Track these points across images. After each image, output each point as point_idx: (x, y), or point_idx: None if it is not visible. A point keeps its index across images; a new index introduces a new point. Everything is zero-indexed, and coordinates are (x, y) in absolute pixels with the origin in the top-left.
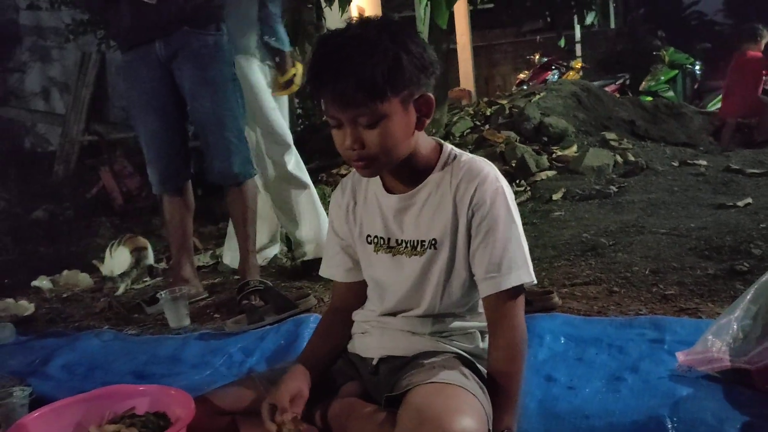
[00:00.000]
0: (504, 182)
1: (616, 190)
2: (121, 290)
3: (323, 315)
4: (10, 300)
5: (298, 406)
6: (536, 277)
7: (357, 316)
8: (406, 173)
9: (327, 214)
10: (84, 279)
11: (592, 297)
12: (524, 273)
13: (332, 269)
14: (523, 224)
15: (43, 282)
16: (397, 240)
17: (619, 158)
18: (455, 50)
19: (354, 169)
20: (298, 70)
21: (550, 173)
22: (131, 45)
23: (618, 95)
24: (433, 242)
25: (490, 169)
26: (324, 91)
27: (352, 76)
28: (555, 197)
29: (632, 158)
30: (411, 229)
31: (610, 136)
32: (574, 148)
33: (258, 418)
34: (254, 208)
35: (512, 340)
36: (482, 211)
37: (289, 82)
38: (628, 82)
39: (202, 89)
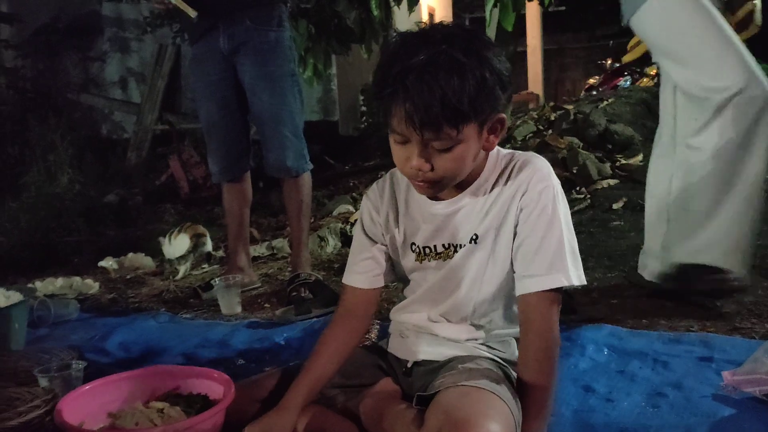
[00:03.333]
0: (556, 181)
1: None
2: (180, 274)
3: (332, 324)
4: (77, 278)
5: None
6: (587, 287)
7: (395, 316)
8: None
9: None
10: (147, 262)
11: (642, 310)
12: (564, 276)
13: (360, 276)
14: (580, 232)
15: (109, 263)
16: (444, 245)
17: None
18: (524, 53)
19: (390, 173)
20: (755, 4)
21: (612, 182)
22: (198, 36)
23: None
24: (474, 237)
25: (542, 166)
26: (399, 107)
27: (437, 98)
28: (615, 206)
29: None
30: (460, 232)
31: None
32: (640, 156)
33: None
34: (309, 201)
35: (543, 343)
36: (530, 208)
37: (745, 22)
38: None
39: (261, 84)
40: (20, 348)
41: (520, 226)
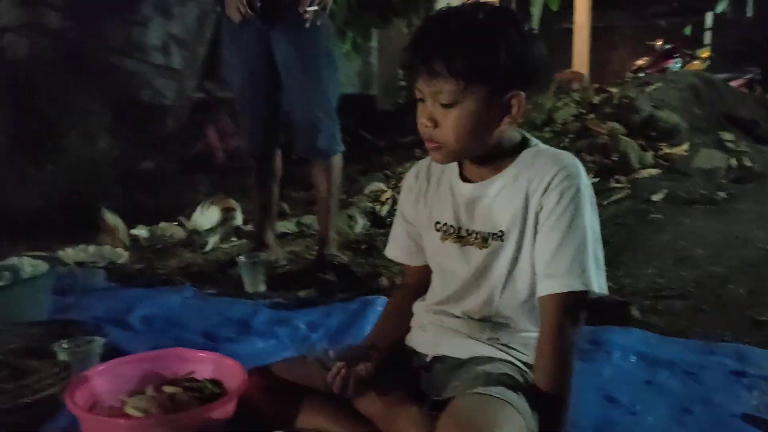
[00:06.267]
0: (583, 180)
1: (725, 196)
2: (209, 246)
3: (393, 294)
4: (107, 246)
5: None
6: (619, 284)
7: (417, 308)
8: (485, 163)
9: None
10: (178, 231)
11: (675, 313)
12: (583, 280)
13: (397, 251)
14: (616, 224)
15: (141, 231)
16: (467, 230)
17: (733, 162)
18: (571, 30)
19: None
20: None
21: (654, 171)
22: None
23: (747, 90)
24: (499, 234)
25: (570, 164)
26: (416, 61)
27: (444, 50)
28: (655, 198)
29: (748, 163)
30: (482, 220)
31: (727, 136)
32: (685, 146)
33: (309, 396)
34: (338, 182)
35: (555, 349)
36: (550, 206)
37: None
38: (758, 77)
39: (294, 62)
40: (44, 318)
41: (540, 224)
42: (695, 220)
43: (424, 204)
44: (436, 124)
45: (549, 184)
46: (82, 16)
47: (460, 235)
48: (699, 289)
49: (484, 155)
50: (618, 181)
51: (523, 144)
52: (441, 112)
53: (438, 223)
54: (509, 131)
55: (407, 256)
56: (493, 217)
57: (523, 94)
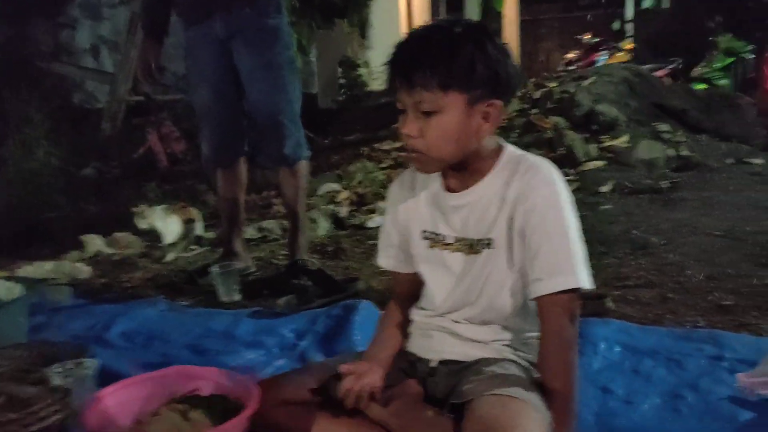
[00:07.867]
0: (561, 185)
1: (668, 185)
2: (170, 257)
3: (388, 305)
4: (67, 262)
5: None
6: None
7: (416, 315)
8: (465, 172)
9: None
10: (135, 242)
11: (645, 302)
12: (569, 279)
13: (388, 260)
14: None
15: (96, 242)
16: (455, 237)
17: (671, 151)
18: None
19: None
20: None
21: (599, 163)
22: (193, 21)
23: (672, 80)
24: (487, 242)
25: (547, 172)
26: (396, 72)
27: (423, 60)
28: (603, 189)
29: (686, 152)
30: (467, 226)
31: (663, 127)
32: (625, 137)
33: (322, 406)
34: (305, 187)
35: (555, 347)
36: (534, 213)
37: None
38: (680, 66)
39: (258, 72)
40: (23, 341)
41: (526, 229)
42: (644, 209)
43: (411, 214)
44: (418, 134)
45: (530, 190)
46: (6, 18)
47: (446, 243)
48: (661, 277)
49: (465, 163)
50: (567, 174)
51: (499, 150)
52: (423, 121)
53: (425, 231)
54: (487, 139)
55: (399, 264)
56: (478, 223)
57: (499, 102)
